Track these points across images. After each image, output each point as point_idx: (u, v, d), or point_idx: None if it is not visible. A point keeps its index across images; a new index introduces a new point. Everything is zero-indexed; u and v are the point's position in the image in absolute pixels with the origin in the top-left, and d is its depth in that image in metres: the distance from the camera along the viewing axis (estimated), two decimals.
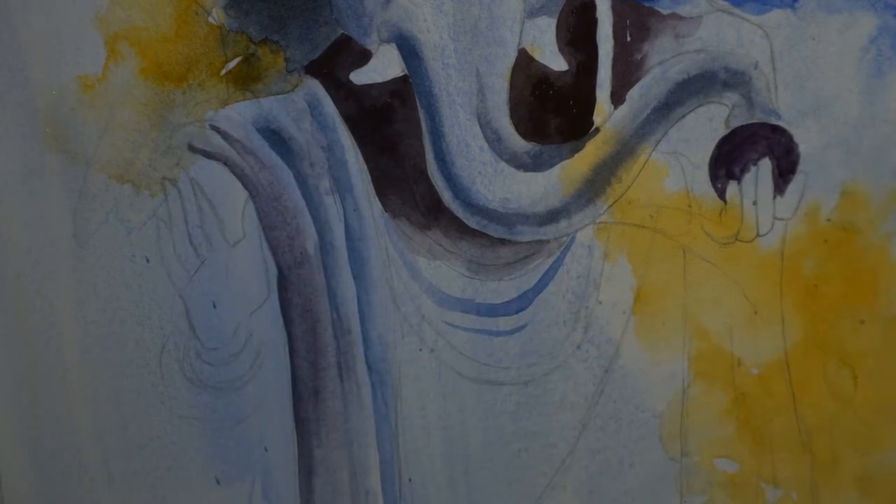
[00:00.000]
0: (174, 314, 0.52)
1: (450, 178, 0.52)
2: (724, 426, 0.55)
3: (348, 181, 0.52)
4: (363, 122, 0.51)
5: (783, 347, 0.54)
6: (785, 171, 0.53)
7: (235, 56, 0.50)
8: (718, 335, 0.54)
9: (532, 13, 0.51)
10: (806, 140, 0.52)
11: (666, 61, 0.51)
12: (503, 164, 0.52)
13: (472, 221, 0.53)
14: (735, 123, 0.52)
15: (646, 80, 0.52)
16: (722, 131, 0.52)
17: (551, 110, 0.52)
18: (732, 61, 0.51)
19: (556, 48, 0.51)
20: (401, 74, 0.51)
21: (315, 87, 0.51)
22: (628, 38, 0.51)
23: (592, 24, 0.51)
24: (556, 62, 0.51)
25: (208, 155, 0.51)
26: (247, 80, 0.50)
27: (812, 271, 0.54)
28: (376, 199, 0.52)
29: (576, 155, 0.52)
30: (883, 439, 0.55)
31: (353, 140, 0.52)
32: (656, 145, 0.52)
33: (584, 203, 0.53)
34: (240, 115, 0.51)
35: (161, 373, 0.52)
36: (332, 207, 0.52)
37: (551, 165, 0.52)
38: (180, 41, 0.50)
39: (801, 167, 0.53)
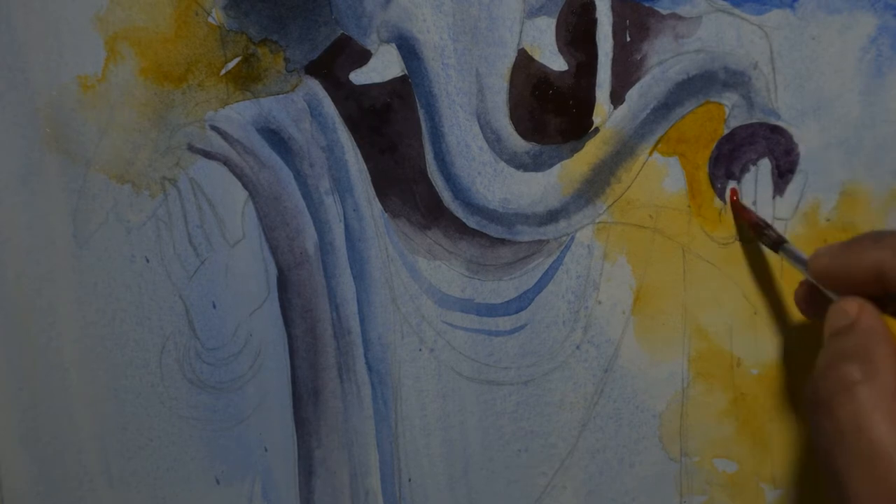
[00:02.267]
0: (174, 314, 0.52)
1: (449, 179, 0.52)
2: (723, 426, 0.55)
3: (348, 181, 0.52)
4: (363, 123, 0.51)
5: (783, 348, 0.54)
6: (784, 171, 0.53)
7: (235, 56, 0.50)
8: (718, 335, 0.54)
9: (532, 13, 0.51)
10: (805, 140, 0.52)
11: (665, 61, 0.51)
12: (503, 165, 0.52)
13: (471, 221, 0.53)
14: (735, 123, 0.52)
15: (645, 81, 0.52)
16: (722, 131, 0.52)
17: (551, 110, 0.52)
18: (732, 61, 0.51)
19: (555, 48, 0.51)
20: (400, 75, 0.51)
21: (315, 87, 0.51)
22: (628, 39, 0.51)
23: (592, 24, 0.51)
24: (556, 62, 0.51)
25: (208, 155, 0.51)
26: (246, 80, 0.50)
27: None
28: (376, 199, 0.52)
29: (575, 155, 0.52)
30: None
31: (353, 140, 0.52)
32: (656, 145, 0.52)
33: (583, 203, 0.53)
34: (239, 115, 0.51)
35: (161, 373, 0.52)
36: (331, 207, 0.52)
37: (551, 165, 0.52)
38: (180, 41, 0.50)
39: (800, 167, 0.53)
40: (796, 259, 0.47)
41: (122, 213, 0.51)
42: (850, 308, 0.41)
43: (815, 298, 0.46)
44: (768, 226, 0.50)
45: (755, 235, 0.51)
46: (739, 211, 0.52)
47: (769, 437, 0.55)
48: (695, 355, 0.54)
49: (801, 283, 0.47)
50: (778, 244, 0.49)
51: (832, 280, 0.43)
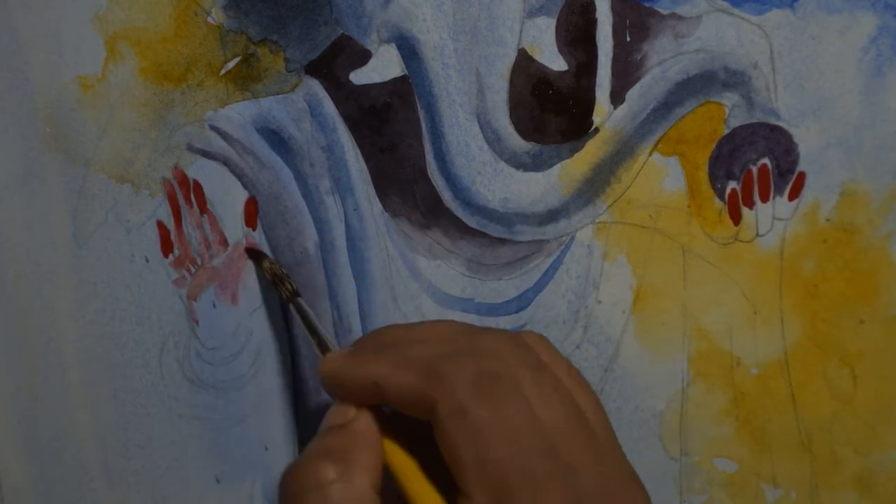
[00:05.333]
0: (174, 314, 0.52)
1: (450, 178, 0.52)
2: (723, 426, 0.55)
3: (348, 181, 0.52)
4: (363, 122, 0.51)
5: (783, 347, 0.54)
6: (784, 171, 0.53)
7: (235, 56, 0.50)
8: (718, 335, 0.54)
9: (532, 13, 0.51)
10: (805, 140, 0.52)
11: (665, 61, 0.51)
12: (503, 164, 0.52)
13: (471, 221, 0.53)
14: (735, 123, 0.52)
15: (645, 80, 0.52)
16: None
17: (551, 110, 0.52)
18: (732, 61, 0.51)
19: (555, 48, 0.51)
20: (401, 74, 0.51)
21: (315, 86, 0.51)
22: (628, 38, 0.51)
23: (592, 24, 0.51)
24: (556, 62, 0.51)
25: (208, 155, 0.51)
26: (246, 79, 0.50)
27: (812, 271, 0.54)
28: (376, 198, 0.52)
29: (575, 155, 0.52)
30: (883, 439, 0.55)
31: (353, 140, 0.52)
32: (656, 145, 0.52)
33: (583, 203, 0.53)
34: (239, 115, 0.51)
35: (161, 372, 0.52)
36: (332, 207, 0.52)
37: (551, 165, 0.52)
38: (180, 41, 0.50)
39: (800, 167, 0.53)
40: (303, 315, 0.46)
41: (122, 213, 0.51)
42: (349, 411, 0.41)
43: None
44: (286, 277, 0.49)
45: (273, 286, 0.49)
46: (258, 257, 0.50)
47: (769, 437, 0.55)
48: (695, 355, 0.54)
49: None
50: (291, 299, 0.48)
51: (336, 390, 0.43)
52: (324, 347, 0.45)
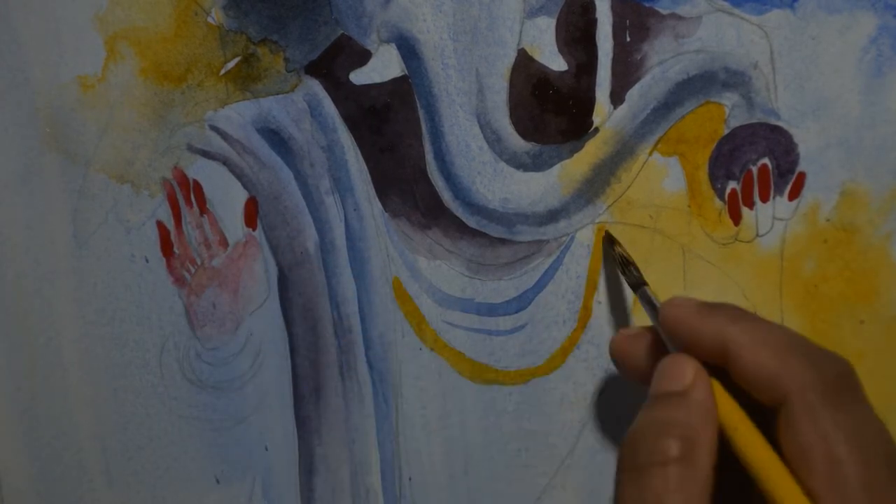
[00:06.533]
0: (174, 314, 0.52)
1: (450, 178, 0.52)
2: None
3: (348, 181, 0.52)
4: (363, 123, 0.51)
5: None
6: (784, 171, 0.53)
7: (235, 56, 0.50)
8: None
9: (532, 13, 0.51)
10: (805, 140, 0.52)
11: (665, 61, 0.51)
12: (503, 164, 0.52)
13: (471, 221, 0.53)
14: (735, 124, 0.52)
15: (645, 80, 0.52)
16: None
17: (551, 110, 0.52)
18: (732, 61, 0.51)
19: (555, 48, 0.51)
20: (400, 74, 0.51)
21: (315, 87, 0.51)
22: (628, 39, 0.51)
23: (592, 24, 0.51)
24: (556, 62, 0.51)
25: (208, 155, 0.51)
26: (246, 80, 0.50)
27: (812, 271, 0.54)
28: (376, 198, 0.52)
29: (575, 155, 0.52)
30: None
31: (353, 140, 0.52)
32: (656, 145, 0.52)
33: (583, 203, 0.53)
34: (239, 115, 0.51)
35: (161, 373, 0.52)
36: (332, 207, 0.52)
37: (551, 165, 0.52)
38: (180, 41, 0.50)
39: (800, 167, 0.53)
40: (650, 305, 0.45)
41: (122, 213, 0.51)
42: (686, 373, 0.40)
43: (635, 346, 0.45)
44: (633, 264, 0.49)
45: (620, 271, 0.50)
46: (610, 243, 0.51)
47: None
48: None
49: (621, 333, 0.46)
50: (637, 286, 0.48)
51: (678, 334, 0.42)
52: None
